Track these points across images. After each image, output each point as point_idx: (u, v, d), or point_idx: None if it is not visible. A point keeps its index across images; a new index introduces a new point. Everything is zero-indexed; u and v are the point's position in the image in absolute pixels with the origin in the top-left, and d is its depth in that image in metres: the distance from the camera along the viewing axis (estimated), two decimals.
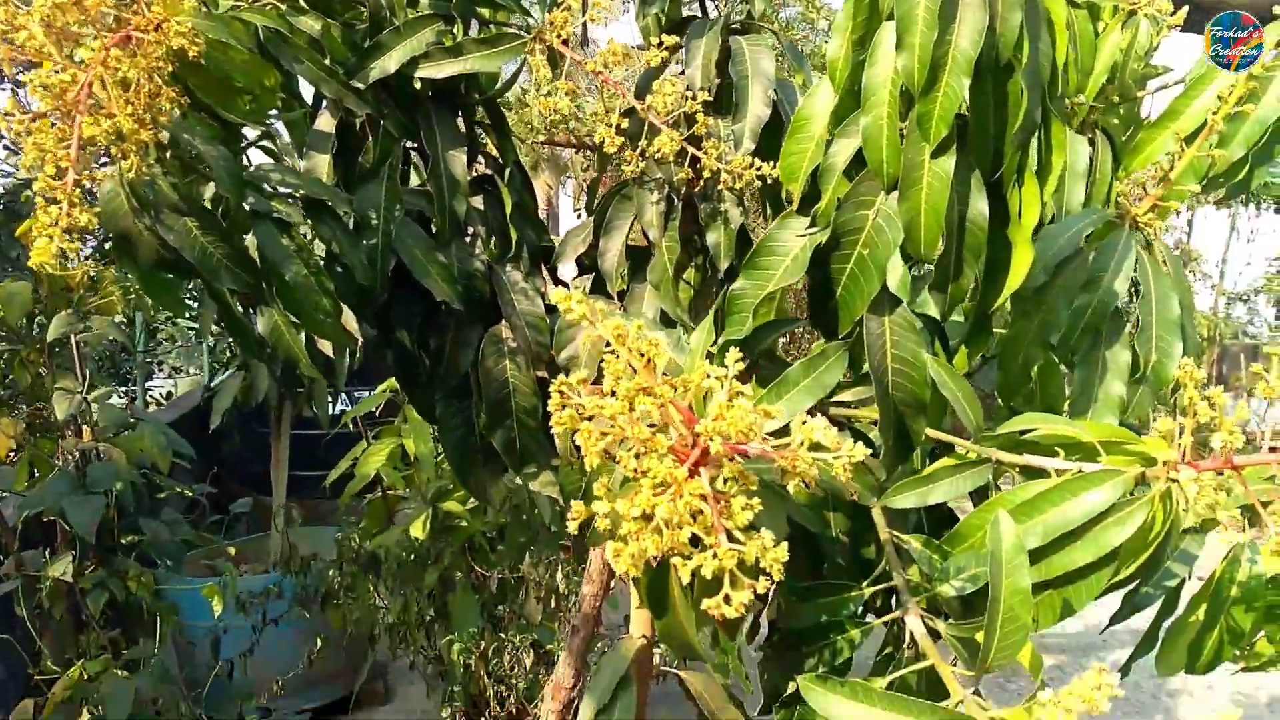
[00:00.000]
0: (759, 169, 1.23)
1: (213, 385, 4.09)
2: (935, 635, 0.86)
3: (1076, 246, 1.06)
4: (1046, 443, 0.93)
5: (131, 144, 1.03)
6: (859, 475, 0.92)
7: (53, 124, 0.95)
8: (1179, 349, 1.03)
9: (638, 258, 1.47)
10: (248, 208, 1.19)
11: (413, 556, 2.62)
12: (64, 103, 0.95)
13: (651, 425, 0.71)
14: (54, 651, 2.20)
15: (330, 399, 4.13)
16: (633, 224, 1.43)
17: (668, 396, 0.65)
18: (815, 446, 0.68)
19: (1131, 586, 1.15)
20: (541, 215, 1.75)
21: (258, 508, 4.33)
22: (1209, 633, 1.09)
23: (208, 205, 1.22)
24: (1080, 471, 0.85)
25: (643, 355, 0.66)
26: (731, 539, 0.67)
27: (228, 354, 4.02)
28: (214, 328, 5.11)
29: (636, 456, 0.69)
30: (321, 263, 1.25)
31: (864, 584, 0.91)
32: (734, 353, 0.70)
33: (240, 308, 1.33)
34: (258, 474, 4.39)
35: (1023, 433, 0.96)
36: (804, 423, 0.66)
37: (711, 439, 0.63)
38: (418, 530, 2.72)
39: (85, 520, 1.91)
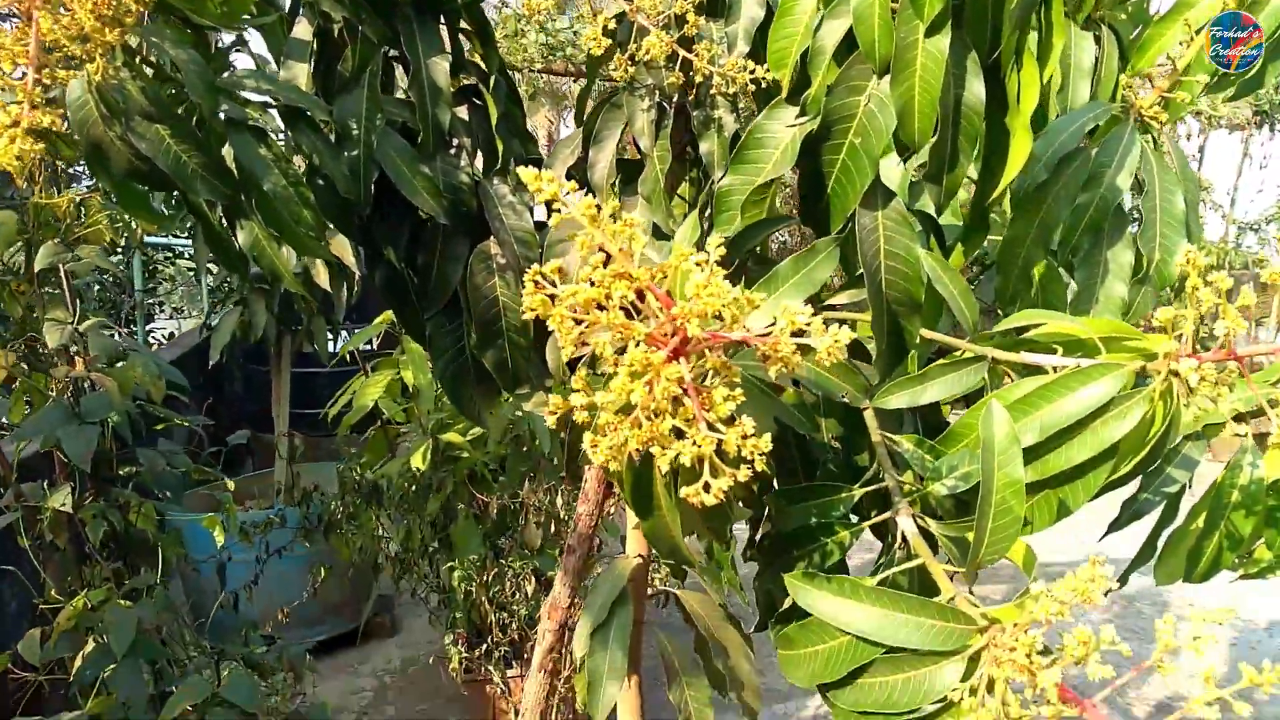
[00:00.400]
0: (753, 72, 1.19)
1: (212, 323, 4.07)
2: (929, 537, 0.84)
3: (1079, 142, 1.02)
4: (1045, 341, 0.90)
5: (96, 45, 0.99)
6: (851, 376, 0.89)
7: (10, 20, 0.91)
8: (1183, 247, 1.00)
9: (630, 171, 1.44)
10: (222, 115, 1.16)
11: (414, 487, 2.62)
12: None
13: (631, 315, 0.68)
14: (58, 582, 2.21)
15: (331, 338, 4.12)
16: (623, 134, 1.39)
17: (644, 280, 0.62)
18: (799, 333, 0.65)
19: (1132, 494, 1.13)
20: (543, 149, 1.70)
21: (260, 446, 4.35)
22: (1208, 539, 1.07)
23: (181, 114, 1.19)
24: (1079, 367, 0.83)
25: (617, 237, 0.63)
26: (712, 429, 0.64)
27: (228, 290, 3.99)
28: (213, 266, 5.08)
29: (616, 351, 0.67)
30: (302, 175, 1.22)
31: (856, 486, 0.89)
32: (716, 237, 0.67)
33: (224, 223, 1.30)
34: (259, 414, 4.40)
35: (1020, 332, 0.94)
36: (786, 308, 0.64)
37: (689, 321, 0.61)
38: (418, 461, 2.72)
39: (80, 450, 1.91)
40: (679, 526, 0.77)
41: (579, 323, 0.66)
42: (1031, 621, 0.69)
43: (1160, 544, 1.17)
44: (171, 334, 6.65)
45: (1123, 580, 1.20)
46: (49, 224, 2.07)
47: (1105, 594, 0.72)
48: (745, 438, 0.62)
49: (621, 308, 0.65)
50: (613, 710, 1.63)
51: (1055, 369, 0.86)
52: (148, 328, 6.90)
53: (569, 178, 1.48)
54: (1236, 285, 0.77)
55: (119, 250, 5.91)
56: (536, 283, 0.67)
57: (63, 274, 2.06)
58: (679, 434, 0.66)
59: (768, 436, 0.66)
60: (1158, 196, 0.99)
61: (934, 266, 0.87)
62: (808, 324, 0.65)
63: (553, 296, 0.66)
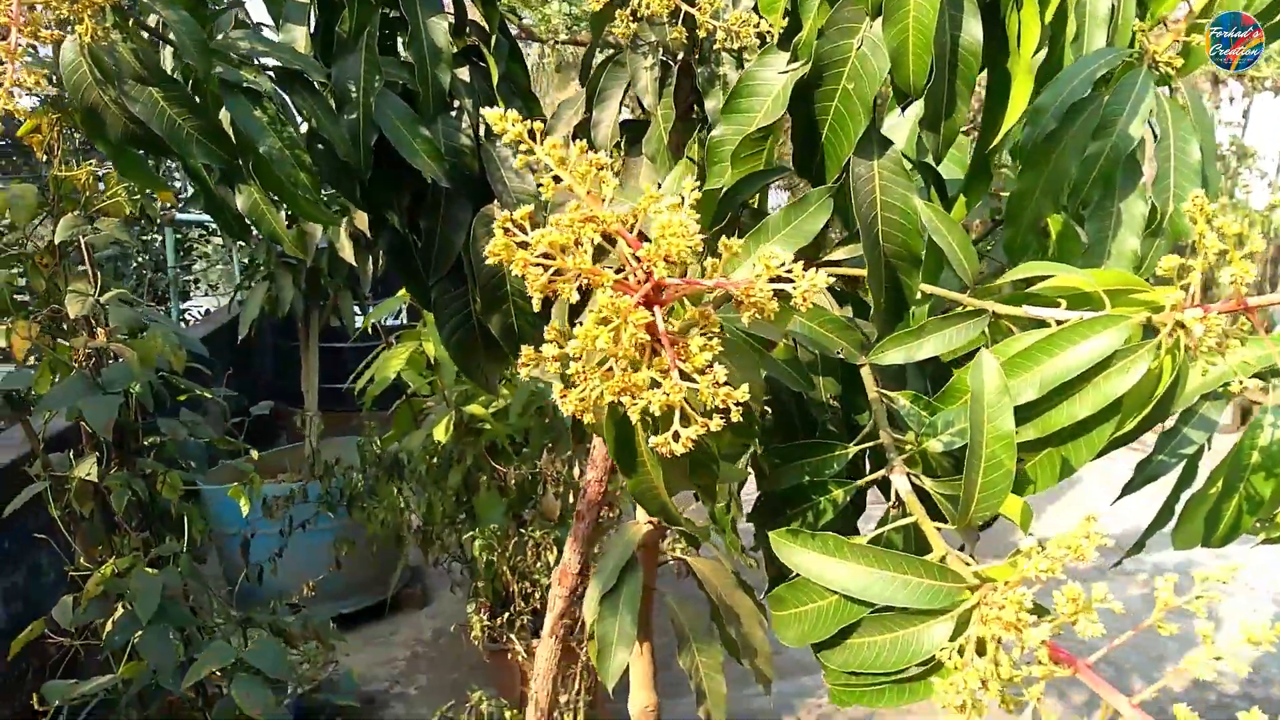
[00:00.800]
0: (758, 26, 1.15)
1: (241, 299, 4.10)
2: (925, 495, 0.82)
3: (1089, 90, 0.98)
4: (1050, 294, 0.87)
5: (84, 6, 0.98)
6: (847, 332, 0.87)
7: None
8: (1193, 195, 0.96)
9: (636, 131, 1.41)
10: (217, 78, 1.15)
11: (435, 459, 2.63)
12: None
13: (609, 267, 0.66)
14: (86, 551, 2.25)
15: (358, 312, 4.14)
16: (627, 93, 1.36)
17: (611, 222, 0.60)
18: (778, 280, 0.63)
19: (1147, 456, 1.10)
20: None
21: (293, 421, 4.39)
22: (1227, 502, 1.04)
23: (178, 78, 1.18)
24: (1081, 319, 0.80)
25: (585, 179, 0.61)
26: (686, 379, 0.63)
27: (256, 266, 4.02)
28: (241, 242, 5.12)
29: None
30: (299, 138, 1.20)
31: (850, 444, 0.87)
32: (691, 181, 0.65)
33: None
34: (292, 389, 4.43)
35: (1025, 286, 0.91)
36: (764, 253, 0.61)
37: (654, 264, 0.59)
38: (440, 434, 2.72)
39: (101, 419, 1.93)
40: (664, 481, 0.75)
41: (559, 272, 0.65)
42: (1023, 579, 0.67)
43: (1179, 508, 1.13)
44: (207, 311, 6.73)
45: (1138, 546, 1.16)
46: (69, 197, 2.09)
47: (1117, 564, 0.69)
48: (718, 386, 0.60)
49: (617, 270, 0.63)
50: (627, 677, 1.63)
51: (1057, 323, 0.83)
52: (184, 305, 6.99)
53: (574, 139, 1.45)
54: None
55: (154, 227, 5.99)
56: (506, 229, 0.65)
57: (83, 246, 2.08)
58: (656, 386, 0.64)
59: (745, 387, 0.64)
60: (1172, 145, 0.95)
61: (932, 217, 0.84)
62: (787, 270, 0.63)
63: (525, 245, 0.65)
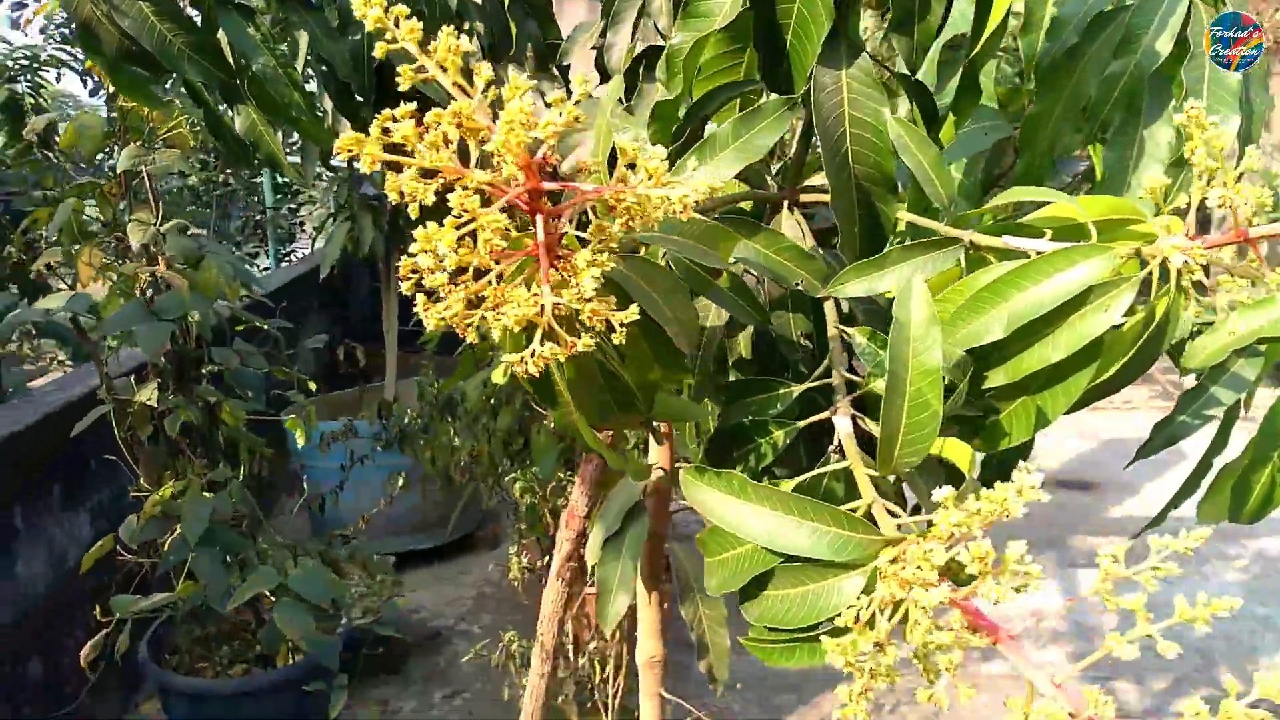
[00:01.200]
0: None
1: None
2: (870, 439, 0.74)
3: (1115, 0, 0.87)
4: (1039, 225, 0.78)
5: None
6: (807, 262, 0.79)
7: None
8: (1234, 125, 0.84)
9: (654, 57, 1.34)
10: None
11: (491, 400, 2.63)
12: None
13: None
14: (148, 474, 2.34)
15: None
16: (642, 15, 1.29)
17: (469, 113, 0.55)
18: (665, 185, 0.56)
19: (1166, 416, 0.99)
20: None
21: (375, 359, 4.48)
22: (1257, 472, 0.92)
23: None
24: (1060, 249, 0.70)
25: (450, 69, 0.56)
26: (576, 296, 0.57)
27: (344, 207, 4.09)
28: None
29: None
30: (288, 55, 1.18)
31: (801, 383, 0.80)
32: (580, 76, 0.59)
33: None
34: (380, 331, 4.52)
35: (1014, 218, 0.81)
36: (640, 146, 0.55)
37: (504, 158, 0.53)
38: (498, 376, 2.72)
39: (154, 344, 1.99)
40: (579, 416, 0.70)
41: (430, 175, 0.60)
42: (949, 535, 0.59)
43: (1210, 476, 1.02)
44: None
45: (1160, 518, 1.06)
46: (135, 128, 2.14)
47: (1136, 536, 0.61)
48: (585, 301, 0.54)
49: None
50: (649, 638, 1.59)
51: (1038, 254, 0.73)
52: (290, 247, 7.20)
53: (597, 68, 1.40)
54: None
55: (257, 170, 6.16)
56: (386, 130, 0.60)
57: (145, 176, 2.13)
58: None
59: (635, 307, 0.58)
60: (1206, 62, 0.83)
61: (901, 133, 0.75)
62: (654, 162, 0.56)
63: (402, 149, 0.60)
